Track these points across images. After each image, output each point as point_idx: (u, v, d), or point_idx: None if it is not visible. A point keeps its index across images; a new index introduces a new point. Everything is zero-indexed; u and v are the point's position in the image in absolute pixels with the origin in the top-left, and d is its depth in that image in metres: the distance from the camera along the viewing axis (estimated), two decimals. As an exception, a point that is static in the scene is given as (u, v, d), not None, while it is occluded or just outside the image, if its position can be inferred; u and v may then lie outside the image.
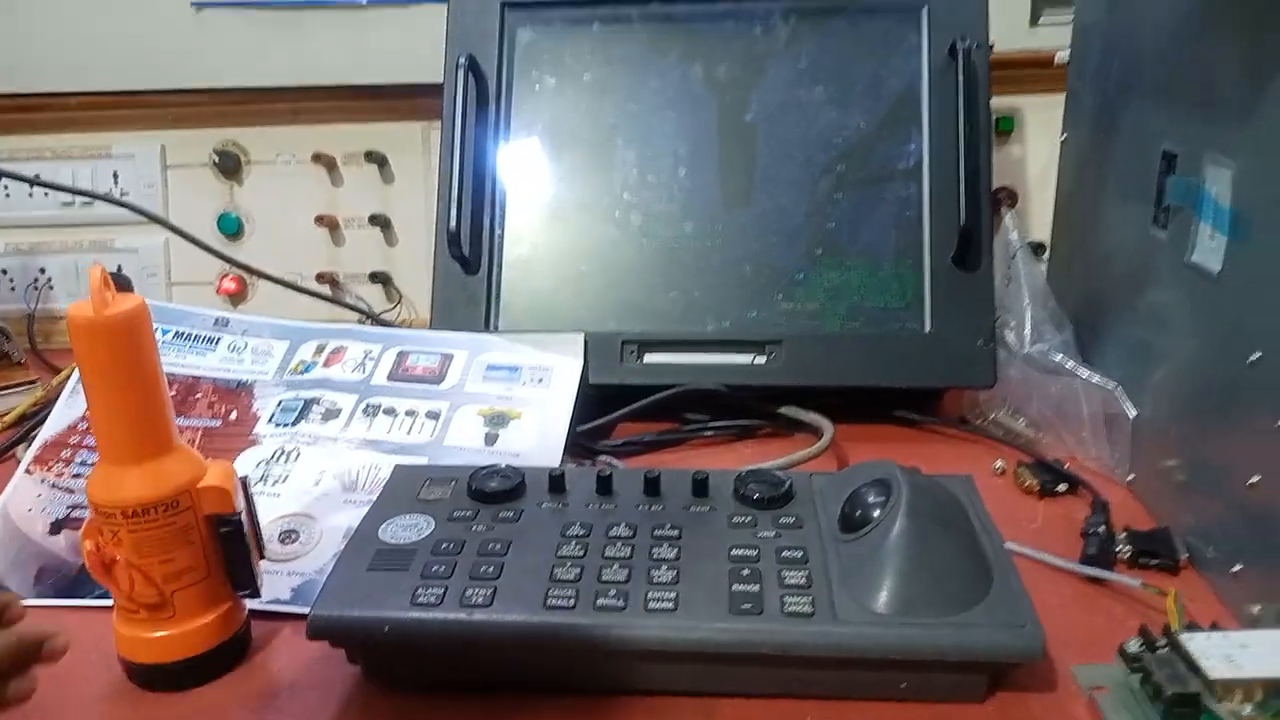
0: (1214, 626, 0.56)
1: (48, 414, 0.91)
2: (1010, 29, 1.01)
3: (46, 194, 1.11)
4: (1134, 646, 0.55)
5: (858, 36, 0.91)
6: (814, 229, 0.89)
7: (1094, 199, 0.87)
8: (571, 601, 0.56)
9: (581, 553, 0.60)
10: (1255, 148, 0.60)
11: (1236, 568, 0.62)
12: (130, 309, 0.55)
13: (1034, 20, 1.03)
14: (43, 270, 1.15)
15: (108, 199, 1.08)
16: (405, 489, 0.67)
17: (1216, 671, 0.51)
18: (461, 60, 0.91)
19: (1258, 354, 0.59)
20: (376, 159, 1.11)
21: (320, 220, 1.12)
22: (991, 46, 0.91)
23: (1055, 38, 1.00)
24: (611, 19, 0.94)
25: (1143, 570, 0.66)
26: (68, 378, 1.01)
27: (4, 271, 1.16)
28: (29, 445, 0.87)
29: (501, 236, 0.92)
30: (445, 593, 0.56)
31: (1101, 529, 0.68)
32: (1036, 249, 1.02)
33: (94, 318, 0.54)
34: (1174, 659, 0.53)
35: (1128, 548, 0.67)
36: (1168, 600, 0.59)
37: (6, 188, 1.13)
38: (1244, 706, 0.50)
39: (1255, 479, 0.59)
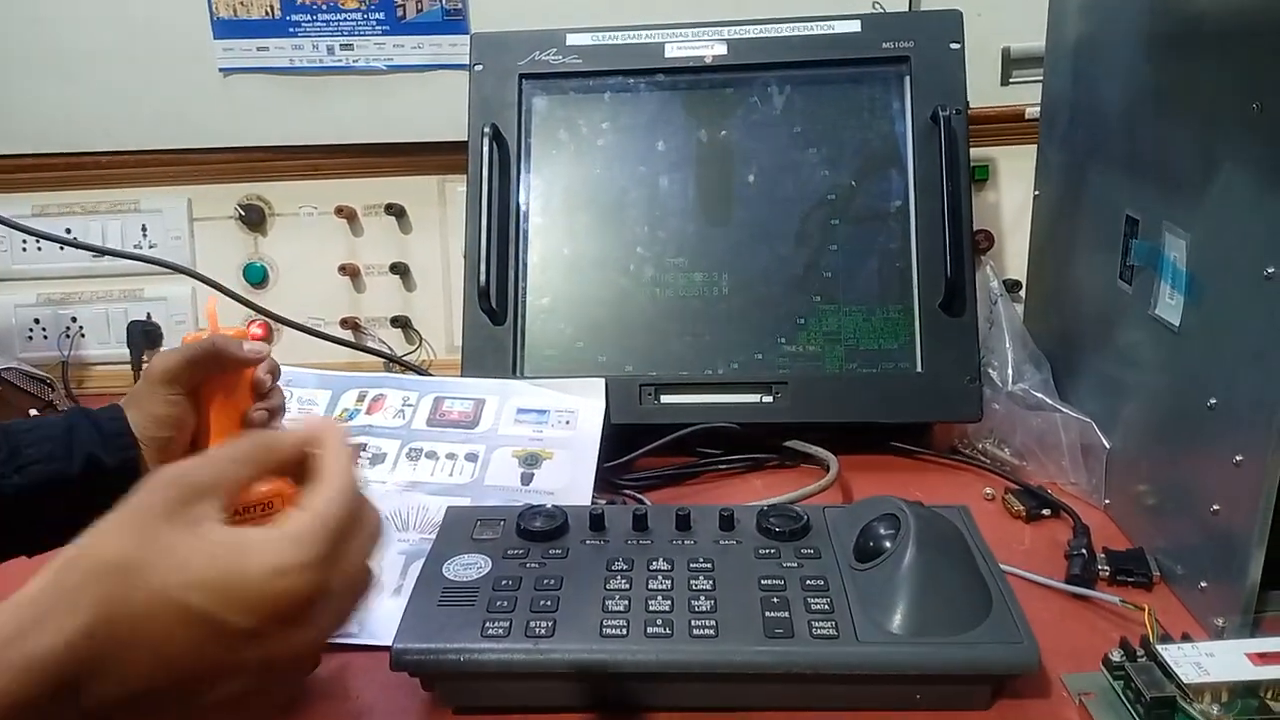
0: (1185, 637, 0.65)
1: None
2: (984, 87, 1.10)
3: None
4: (1116, 656, 0.63)
5: (847, 103, 1.00)
6: (813, 278, 0.97)
7: (1065, 251, 0.96)
8: (624, 630, 0.63)
9: (627, 585, 0.67)
10: (1207, 222, 0.69)
11: (1203, 584, 0.70)
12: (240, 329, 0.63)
13: (1005, 80, 1.12)
14: (74, 319, 1.20)
15: (135, 256, 1.13)
16: (459, 529, 0.74)
17: (1189, 677, 0.59)
18: (486, 129, 0.98)
19: (1214, 399, 0.67)
20: (395, 210, 1.18)
21: (343, 269, 1.19)
22: (968, 105, 1.00)
23: (1025, 94, 1.10)
24: (621, 88, 1.02)
25: (1121, 587, 0.74)
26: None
27: (37, 321, 1.21)
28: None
29: (525, 289, 0.99)
30: (510, 625, 0.63)
31: (1084, 550, 0.76)
32: (1012, 286, 1.11)
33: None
34: (1151, 667, 0.61)
35: (1107, 567, 0.75)
36: (1144, 615, 0.67)
37: (40, 244, 1.18)
38: (1213, 707, 0.59)
39: (1216, 507, 0.67)
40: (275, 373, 0.65)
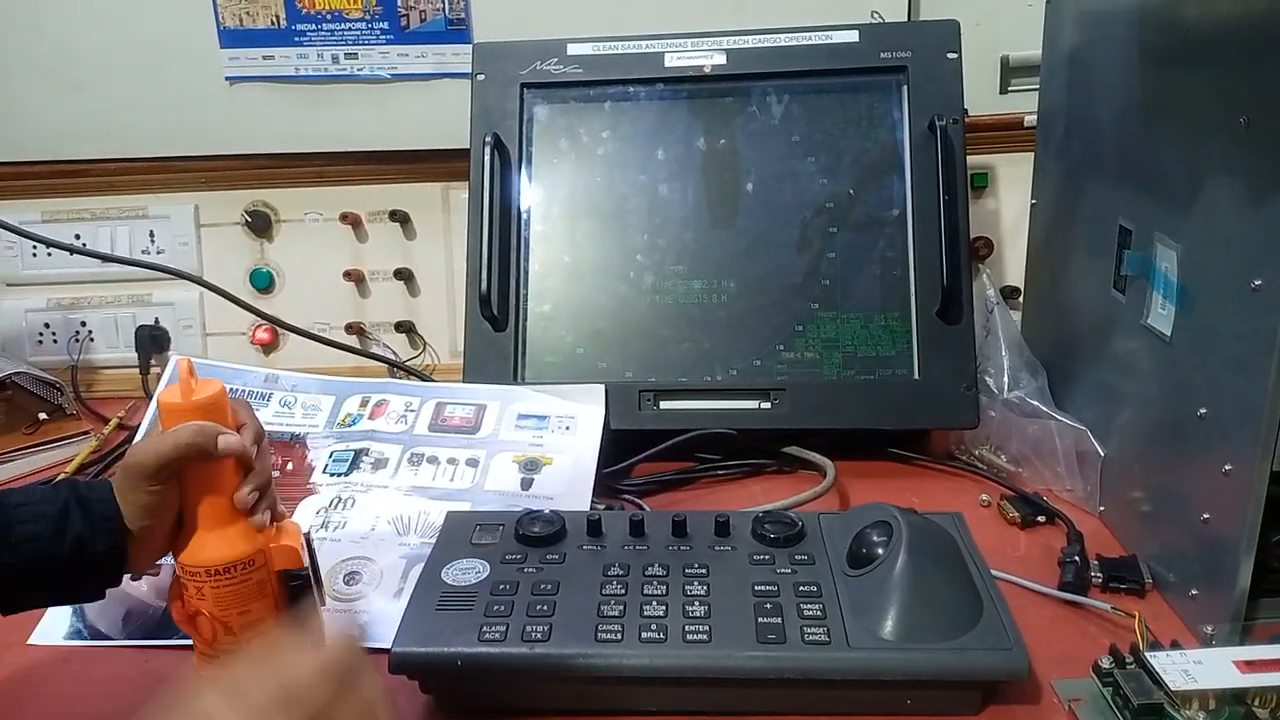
0: (1174, 645, 0.65)
1: (107, 462, 0.99)
2: (982, 96, 1.11)
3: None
4: (1106, 663, 0.64)
5: (845, 112, 1.01)
6: (811, 285, 0.98)
7: (1061, 259, 0.96)
8: (619, 635, 0.64)
9: (623, 590, 0.68)
10: (1196, 235, 0.70)
11: (1193, 592, 0.71)
12: (210, 396, 0.62)
13: (1004, 88, 1.13)
14: (83, 324, 1.22)
15: (142, 263, 1.15)
16: (459, 534, 0.75)
17: (1176, 684, 0.60)
18: (487, 138, 1.00)
19: (1204, 409, 0.68)
20: (400, 217, 1.19)
21: (347, 274, 1.20)
22: (966, 113, 1.01)
23: (1024, 103, 1.10)
24: (621, 97, 1.03)
25: (1113, 594, 0.75)
26: (116, 427, 1.09)
27: (47, 325, 1.22)
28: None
29: (526, 296, 1.00)
30: (508, 629, 0.64)
31: (1077, 557, 0.77)
32: (1011, 293, 1.12)
33: (180, 403, 0.61)
34: (1140, 674, 0.62)
35: (1100, 574, 0.76)
36: (1134, 622, 0.68)
37: (50, 250, 1.20)
38: (1199, 714, 0.59)
39: (1206, 515, 0.68)
40: (260, 439, 0.65)
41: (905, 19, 1.10)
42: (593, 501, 0.86)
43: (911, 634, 0.63)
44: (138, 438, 0.93)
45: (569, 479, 0.88)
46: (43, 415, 1.08)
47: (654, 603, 0.67)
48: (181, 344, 1.22)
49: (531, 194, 1.03)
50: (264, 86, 1.16)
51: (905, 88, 1.00)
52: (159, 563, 0.67)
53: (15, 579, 0.58)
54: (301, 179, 1.20)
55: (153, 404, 0.95)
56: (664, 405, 0.97)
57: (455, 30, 1.12)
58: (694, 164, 1.02)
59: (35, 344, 1.22)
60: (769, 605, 0.66)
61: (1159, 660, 0.62)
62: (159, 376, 1.16)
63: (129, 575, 0.63)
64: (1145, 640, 0.66)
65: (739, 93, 1.02)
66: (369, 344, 1.21)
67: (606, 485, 0.91)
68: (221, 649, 0.63)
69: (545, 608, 0.66)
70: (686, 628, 0.64)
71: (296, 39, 1.14)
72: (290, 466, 0.89)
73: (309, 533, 0.67)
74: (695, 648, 0.63)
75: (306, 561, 0.65)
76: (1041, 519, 0.85)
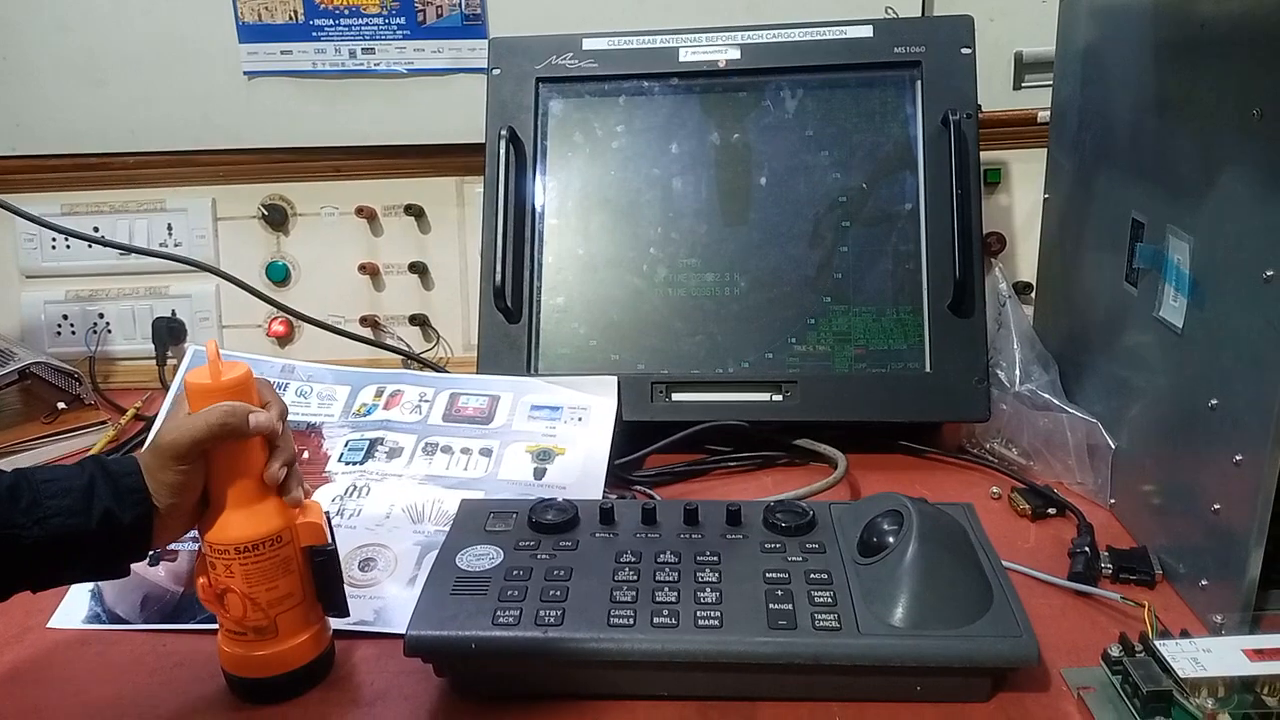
0: (1184, 634, 0.65)
1: (124, 451, 1.00)
2: (996, 92, 1.12)
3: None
4: (1115, 651, 0.64)
5: (859, 107, 1.01)
6: (824, 279, 0.99)
7: (1073, 253, 0.96)
8: (631, 620, 0.65)
9: (635, 577, 0.68)
10: (1209, 227, 0.70)
11: (1203, 582, 0.71)
12: (238, 377, 0.63)
13: (1017, 84, 1.13)
14: (101, 315, 1.23)
15: (161, 254, 1.16)
16: (473, 521, 0.76)
17: (1185, 672, 0.60)
18: (503, 132, 1.00)
19: (1215, 400, 0.68)
20: (415, 211, 1.20)
21: (363, 268, 1.21)
22: (979, 108, 1.01)
23: (1037, 99, 1.11)
24: (635, 92, 1.04)
25: (1123, 585, 0.75)
26: (134, 417, 1.10)
27: (65, 317, 1.24)
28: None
29: (540, 289, 1.01)
30: (521, 614, 0.65)
31: (1087, 548, 0.77)
32: (1024, 288, 1.12)
33: (210, 384, 0.62)
34: (1149, 662, 0.62)
35: (1110, 565, 0.76)
36: (1144, 612, 0.68)
37: (69, 242, 1.21)
38: (1208, 701, 0.60)
39: (1217, 506, 0.68)
40: (284, 416, 0.66)
41: (919, 14, 1.11)
42: (605, 492, 0.87)
43: (921, 621, 0.63)
44: (156, 424, 0.94)
45: (581, 469, 0.88)
46: (61, 405, 1.10)
47: (666, 589, 0.67)
48: (198, 336, 1.23)
49: (546, 187, 1.03)
50: (282, 81, 1.18)
51: (919, 83, 1.00)
52: (174, 548, 0.68)
53: (45, 554, 0.58)
54: (318, 173, 1.21)
55: (170, 393, 0.96)
56: (676, 397, 0.97)
57: (471, 25, 1.13)
58: (707, 158, 1.02)
59: (54, 335, 1.24)
60: (780, 592, 0.66)
61: (1168, 648, 0.62)
62: (175, 368, 1.17)
63: (148, 556, 0.64)
64: (1155, 629, 0.66)
65: (753, 87, 1.03)
66: (383, 337, 1.22)
67: (618, 476, 0.92)
68: (250, 625, 0.64)
69: (558, 593, 0.67)
70: (698, 613, 0.65)
71: (314, 34, 1.15)
72: (306, 455, 0.90)
73: (328, 512, 0.68)
74: (706, 633, 0.64)
75: (330, 537, 0.67)
76: (1052, 511, 0.85)
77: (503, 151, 1.00)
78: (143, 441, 0.94)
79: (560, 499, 0.77)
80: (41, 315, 1.24)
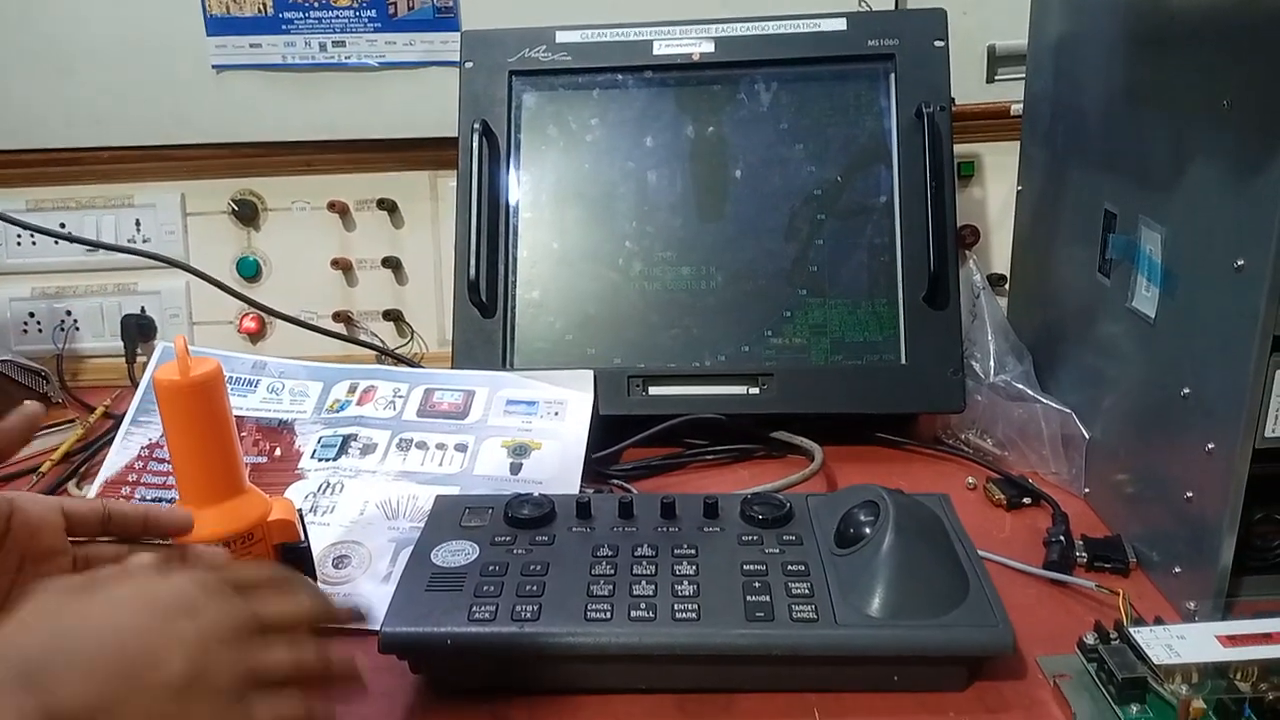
0: (1157, 621, 0.66)
1: (93, 450, 0.99)
2: (970, 85, 1.12)
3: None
4: (1090, 639, 0.65)
5: (833, 100, 1.01)
6: (799, 272, 0.98)
7: (1046, 245, 0.97)
8: (608, 614, 0.64)
9: (612, 571, 0.68)
10: (1180, 218, 0.71)
11: (1177, 570, 0.71)
12: (208, 373, 0.62)
13: (990, 77, 1.13)
14: (69, 313, 1.21)
15: (130, 250, 1.15)
16: (448, 517, 0.75)
17: (1159, 659, 0.61)
18: (476, 125, 1.00)
19: (1187, 389, 0.69)
20: (387, 205, 1.19)
21: (335, 263, 1.20)
22: (953, 102, 1.01)
23: (1010, 91, 1.11)
24: (609, 85, 1.03)
25: (1098, 573, 0.76)
26: (102, 415, 1.08)
27: (31, 314, 1.21)
28: (77, 480, 0.95)
29: (515, 283, 1.00)
30: (497, 609, 0.65)
31: (1062, 538, 0.78)
32: (997, 280, 1.13)
33: (179, 381, 0.62)
34: (1124, 649, 0.63)
35: (1084, 554, 0.77)
36: (1118, 600, 0.69)
37: (34, 239, 1.19)
38: (1182, 687, 0.60)
39: (1190, 494, 0.69)
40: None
41: (893, 7, 1.11)
42: (581, 486, 0.86)
43: (898, 611, 0.64)
44: (125, 422, 0.93)
45: (558, 464, 0.88)
46: (28, 403, 1.07)
47: (643, 582, 0.67)
48: (168, 333, 1.21)
49: (520, 181, 1.03)
50: (251, 75, 1.16)
51: (892, 76, 1.00)
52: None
53: None
54: (289, 167, 1.19)
55: (140, 389, 0.95)
56: (653, 391, 0.97)
57: (443, 18, 1.12)
58: (682, 151, 1.02)
59: (20, 333, 1.21)
60: (757, 584, 0.66)
61: (1143, 635, 0.62)
62: (144, 365, 1.15)
63: None
64: (1129, 617, 0.67)
65: (727, 80, 1.02)
66: (357, 332, 1.21)
67: (595, 470, 0.91)
68: None
69: (535, 588, 0.67)
70: (675, 606, 0.65)
71: (284, 27, 1.14)
72: (278, 452, 0.89)
73: (300, 510, 0.68)
74: (684, 626, 0.63)
75: (302, 534, 0.66)
76: (1027, 501, 0.86)
77: (476, 145, 0.99)
78: (111, 440, 0.93)
79: (537, 494, 0.77)
80: (7, 313, 1.21)
